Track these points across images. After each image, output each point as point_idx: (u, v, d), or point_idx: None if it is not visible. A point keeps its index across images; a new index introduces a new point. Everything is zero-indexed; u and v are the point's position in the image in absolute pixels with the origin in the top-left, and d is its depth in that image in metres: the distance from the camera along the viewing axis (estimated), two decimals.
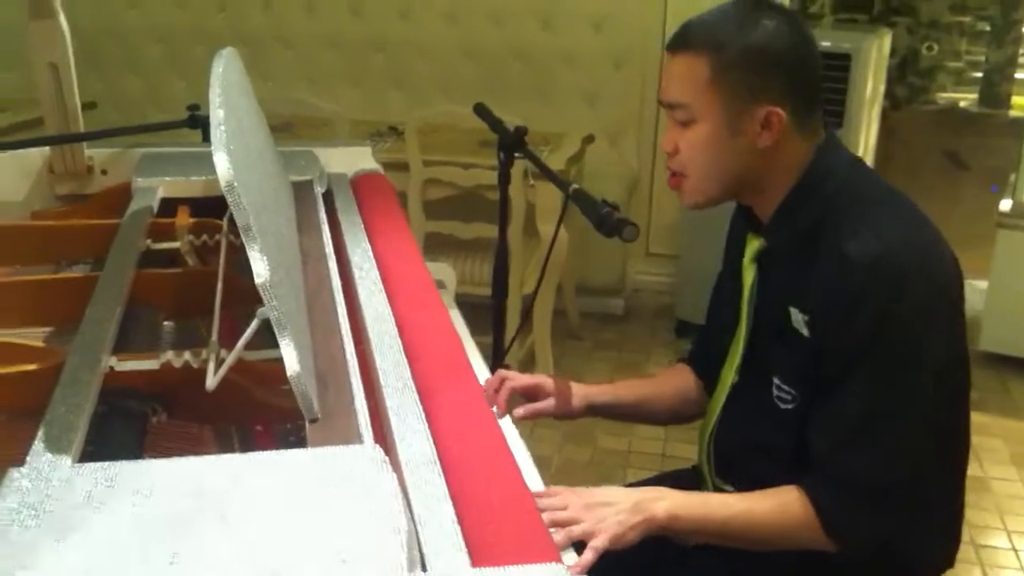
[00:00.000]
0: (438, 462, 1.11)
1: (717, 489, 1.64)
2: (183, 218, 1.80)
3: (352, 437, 1.10)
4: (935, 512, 1.49)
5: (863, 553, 1.41)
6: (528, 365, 3.56)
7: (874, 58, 3.76)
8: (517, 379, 1.59)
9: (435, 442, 1.15)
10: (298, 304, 1.28)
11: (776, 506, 1.41)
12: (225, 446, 1.27)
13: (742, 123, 1.41)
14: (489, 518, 1.03)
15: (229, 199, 1.10)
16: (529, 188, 3.14)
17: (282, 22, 4.49)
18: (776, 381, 1.49)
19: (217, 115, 1.20)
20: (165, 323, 1.56)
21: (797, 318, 1.44)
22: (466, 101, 4.12)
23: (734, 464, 1.60)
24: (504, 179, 2.10)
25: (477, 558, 0.95)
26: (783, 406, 1.48)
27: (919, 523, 1.44)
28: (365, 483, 0.98)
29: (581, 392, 1.69)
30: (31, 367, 1.26)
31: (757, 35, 1.39)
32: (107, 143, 2.07)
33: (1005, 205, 3.79)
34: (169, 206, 1.85)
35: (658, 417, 1.80)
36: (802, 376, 1.45)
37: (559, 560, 0.98)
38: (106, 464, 0.98)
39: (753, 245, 1.54)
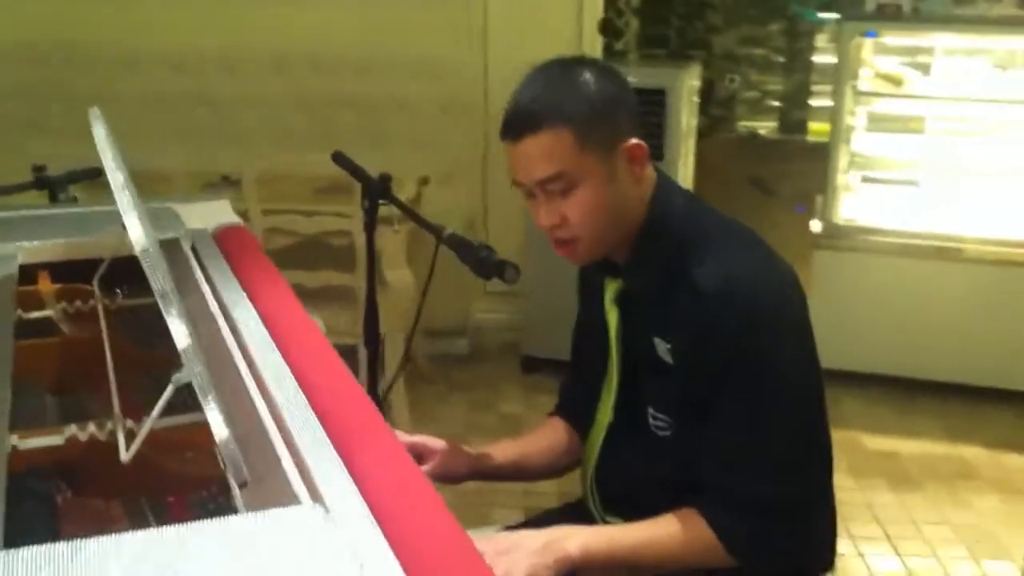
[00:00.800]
0: (371, 515, 1.11)
1: (606, 523, 1.68)
2: (46, 284, 1.73)
3: (288, 498, 1.09)
4: (818, 516, 1.58)
5: (767, 565, 1.49)
6: (384, 412, 3.53)
7: (686, 91, 3.96)
8: (400, 438, 1.60)
9: (363, 495, 1.15)
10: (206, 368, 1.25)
11: (679, 531, 1.48)
12: (139, 520, 1.23)
13: (615, 168, 1.47)
14: (436, 569, 1.03)
15: (145, 264, 1.08)
16: (394, 233, 3.15)
17: (102, 79, 4.33)
18: (651, 411, 1.56)
19: (117, 178, 1.17)
20: (48, 397, 1.49)
21: (661, 347, 1.52)
22: (297, 150, 4.13)
23: (619, 498, 1.65)
24: (371, 226, 2.10)
25: None
26: (660, 433, 1.55)
27: (808, 528, 1.53)
28: (314, 543, 0.97)
29: (465, 456, 1.70)
30: None
31: (593, 88, 1.46)
32: None
33: (816, 227, 4.05)
34: (26, 273, 1.77)
35: (537, 473, 1.83)
36: (673, 403, 1.53)
37: None
38: (44, 547, 0.93)
39: (612, 287, 1.60)
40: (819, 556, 1.60)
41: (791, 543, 1.51)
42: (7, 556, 0.93)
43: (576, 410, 1.79)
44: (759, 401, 1.45)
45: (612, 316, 1.61)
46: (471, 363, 4.30)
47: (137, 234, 1.07)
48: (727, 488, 1.47)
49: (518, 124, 1.46)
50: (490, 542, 1.38)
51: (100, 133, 1.32)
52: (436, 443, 1.67)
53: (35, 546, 0.94)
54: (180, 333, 1.07)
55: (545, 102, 1.45)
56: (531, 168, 1.46)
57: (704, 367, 1.46)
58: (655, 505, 1.52)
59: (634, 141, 1.48)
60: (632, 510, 1.57)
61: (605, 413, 1.66)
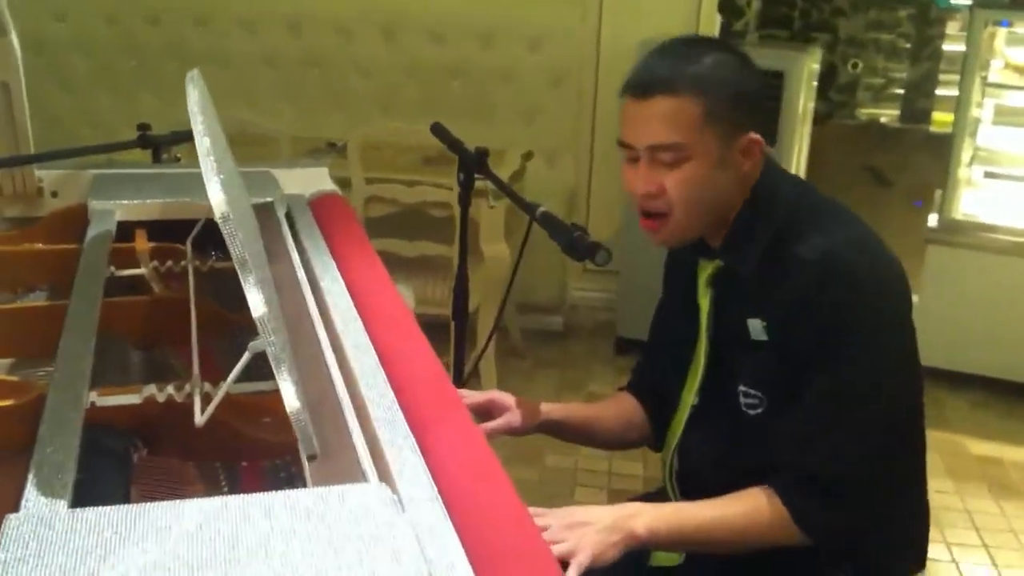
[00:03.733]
0: (439, 498, 1.09)
1: None
2: (142, 243, 1.75)
3: (355, 474, 1.07)
4: (902, 505, 1.56)
5: (836, 544, 1.49)
6: (473, 383, 3.54)
7: (805, 75, 3.84)
8: (470, 396, 1.63)
9: (433, 476, 1.13)
10: (286, 336, 1.25)
11: (748, 508, 1.46)
12: (211, 483, 1.23)
13: (730, 156, 1.46)
14: (500, 556, 1.01)
15: (224, 231, 1.07)
16: (490, 208, 3.13)
17: (218, 40, 4.40)
18: (742, 388, 1.53)
19: (203, 143, 1.17)
20: (133, 353, 1.51)
21: (756, 328, 1.50)
22: (404, 118, 4.14)
23: (700, 484, 1.62)
24: (465, 200, 2.08)
25: None
26: (751, 412, 1.53)
27: (887, 516, 1.50)
28: (378, 523, 0.95)
29: (534, 408, 1.70)
30: (7, 403, 1.21)
31: (733, 73, 1.46)
32: (55, 163, 2.01)
33: (932, 221, 3.90)
34: (123, 229, 1.80)
35: (604, 439, 1.83)
36: (767, 379, 1.51)
37: None
38: (108, 509, 0.94)
39: (707, 269, 1.58)
40: (905, 553, 1.58)
41: (866, 530, 1.48)
42: (72, 516, 0.93)
43: (648, 391, 1.78)
44: (853, 377, 1.43)
45: (705, 298, 1.59)
46: (564, 340, 4.27)
47: (218, 199, 1.06)
48: (805, 464, 1.45)
49: (651, 82, 1.44)
50: (560, 516, 1.39)
51: (194, 97, 1.32)
52: (505, 398, 1.68)
53: (100, 508, 0.94)
54: (257, 301, 1.06)
55: (686, 69, 1.44)
56: (649, 130, 1.45)
57: (801, 339, 1.44)
58: (736, 490, 1.50)
59: (754, 135, 1.47)
60: (711, 496, 1.53)
61: (689, 395, 1.64)
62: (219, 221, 1.06)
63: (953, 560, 2.88)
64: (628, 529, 1.39)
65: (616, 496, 3.11)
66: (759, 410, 1.52)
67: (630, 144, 1.47)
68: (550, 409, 1.72)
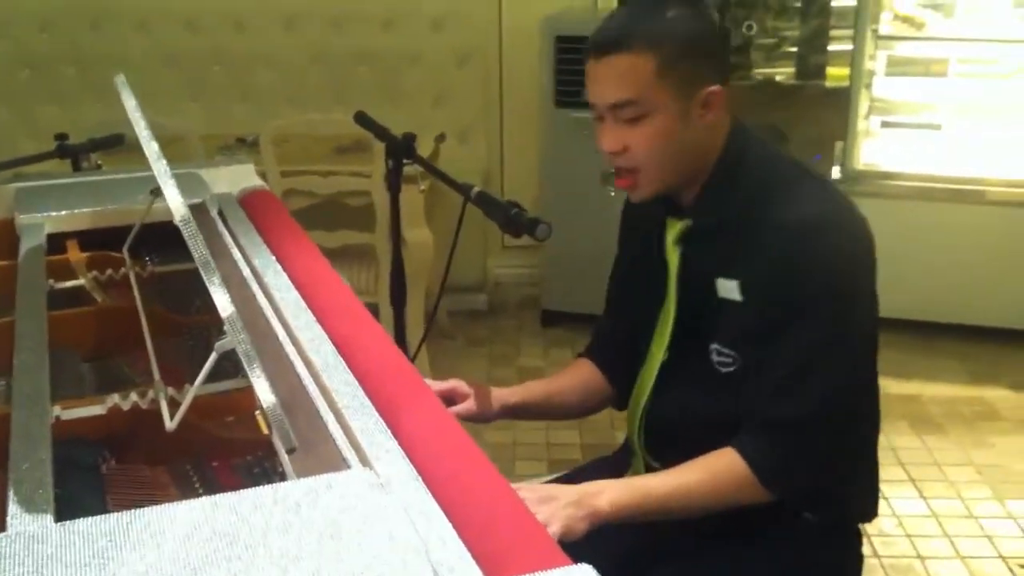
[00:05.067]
0: (420, 477, 1.11)
1: (648, 467, 1.70)
2: (76, 253, 1.73)
3: (336, 463, 1.09)
4: (860, 461, 1.60)
5: (799, 499, 1.52)
6: None
7: None
8: (432, 385, 1.62)
9: (410, 457, 1.15)
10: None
11: (711, 473, 1.49)
12: (184, 485, 1.23)
13: (690, 111, 1.48)
14: (490, 530, 1.04)
15: (185, 233, 1.07)
16: (419, 193, 3.13)
17: (114, 42, 4.29)
18: (715, 347, 1.55)
19: (152, 147, 1.16)
20: (83, 365, 1.50)
21: (726, 286, 1.53)
22: (313, 108, 4.11)
23: (669, 439, 1.66)
24: (396, 186, 2.09)
25: (492, 571, 0.96)
26: (724, 370, 1.55)
27: (848, 470, 1.56)
28: (369, 507, 0.97)
29: (496, 395, 1.73)
30: None
31: (686, 21, 1.47)
32: None
33: (835, 172, 4.02)
34: (53, 242, 1.77)
35: (565, 411, 1.85)
36: (740, 338, 1.53)
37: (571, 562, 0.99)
38: (99, 518, 0.94)
39: (675, 228, 1.60)
40: (859, 506, 1.62)
41: (828, 483, 1.53)
42: (63, 529, 0.93)
43: (610, 352, 1.80)
44: (825, 335, 1.47)
45: (674, 256, 1.61)
46: (490, 318, 4.30)
47: (176, 203, 1.06)
48: (770, 414, 1.48)
49: (604, 42, 1.47)
50: (529, 490, 1.42)
51: (131, 102, 1.31)
52: (466, 386, 1.70)
53: (90, 518, 0.94)
54: (223, 301, 1.07)
55: (635, 26, 1.46)
56: (606, 89, 1.48)
57: (781, 300, 1.47)
58: (705, 448, 1.52)
59: (713, 88, 1.49)
60: (678, 453, 1.56)
61: (658, 352, 1.66)
62: (180, 224, 1.06)
63: (884, 497, 2.98)
64: (592, 506, 1.42)
65: (556, 466, 3.16)
66: (732, 368, 1.54)
67: (593, 103, 1.51)
68: (508, 394, 1.74)
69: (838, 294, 1.47)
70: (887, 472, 3.10)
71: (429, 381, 1.62)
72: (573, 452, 3.29)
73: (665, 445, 1.65)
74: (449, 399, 1.67)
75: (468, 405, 1.68)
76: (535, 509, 1.35)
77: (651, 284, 1.65)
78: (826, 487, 1.55)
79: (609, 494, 1.45)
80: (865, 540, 1.69)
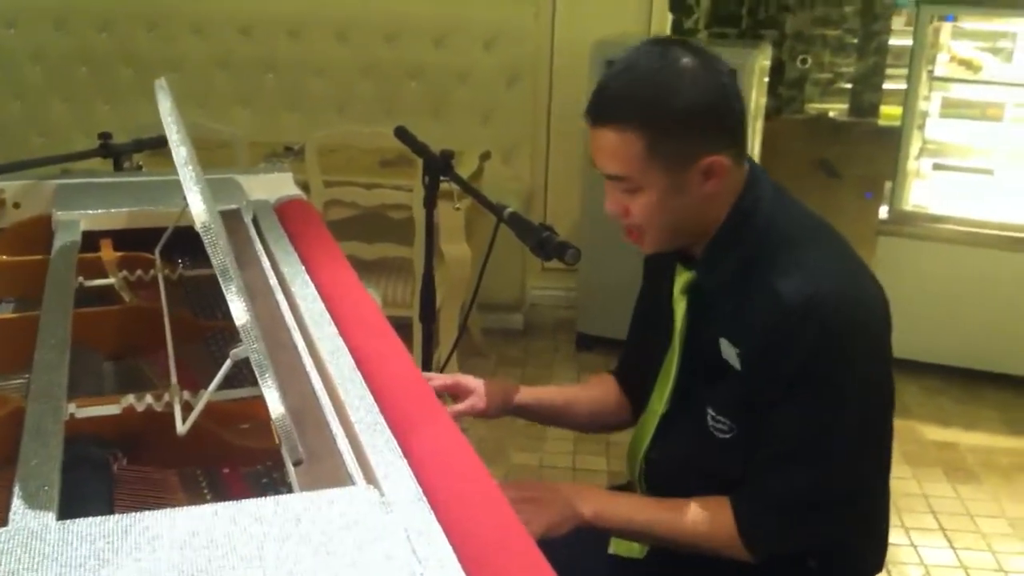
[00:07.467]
0: (424, 498, 1.10)
1: None
2: (108, 252, 1.74)
3: (342, 478, 1.08)
4: (866, 522, 1.57)
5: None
6: None
7: (757, 71, 3.89)
8: (436, 379, 1.65)
9: (417, 477, 1.14)
10: (265, 343, 1.25)
11: (700, 517, 1.49)
12: (193, 491, 1.23)
13: (687, 182, 1.41)
14: (492, 556, 1.03)
15: (205, 240, 1.07)
16: (455, 210, 3.14)
17: (170, 44, 4.36)
18: (711, 412, 1.52)
19: (180, 153, 1.17)
20: (106, 364, 1.51)
21: (728, 351, 1.47)
22: (361, 120, 4.14)
23: (668, 486, 1.63)
24: (431, 203, 2.09)
25: None
26: (720, 436, 1.52)
27: (851, 534, 1.54)
28: (368, 525, 0.97)
29: (502, 389, 1.72)
30: None
31: (682, 93, 1.37)
32: (18, 175, 1.99)
33: (883, 212, 3.97)
34: (88, 240, 1.79)
35: (579, 421, 1.85)
36: (736, 407, 1.49)
37: None
38: (100, 519, 0.94)
39: (684, 277, 1.56)
40: (863, 563, 1.61)
41: (828, 547, 1.53)
42: (63, 528, 0.93)
43: (631, 380, 1.79)
44: (821, 416, 1.42)
45: (679, 307, 1.57)
46: (525, 339, 4.29)
47: (199, 209, 1.06)
48: (765, 484, 1.46)
49: (596, 110, 1.42)
50: (516, 488, 1.45)
51: (165, 105, 1.32)
52: (471, 381, 1.70)
53: (90, 518, 0.94)
54: (239, 310, 1.07)
55: (627, 97, 1.39)
56: (599, 159, 1.44)
57: (774, 377, 1.42)
58: (704, 495, 1.52)
59: (713, 158, 1.39)
60: (679, 496, 1.55)
61: (659, 402, 1.63)
62: (200, 231, 1.07)
63: (912, 544, 2.94)
64: (574, 509, 1.46)
65: None
66: (728, 435, 1.51)
67: (594, 164, 1.47)
68: (520, 394, 1.74)
69: (832, 379, 1.41)
70: (918, 520, 3.07)
71: (433, 375, 1.63)
72: (599, 478, 3.26)
73: (665, 491, 1.62)
74: (452, 395, 1.68)
75: (471, 402, 1.68)
76: (518, 508, 1.34)
77: (660, 329, 1.63)
78: (826, 551, 1.54)
79: (596, 502, 1.49)
80: None
